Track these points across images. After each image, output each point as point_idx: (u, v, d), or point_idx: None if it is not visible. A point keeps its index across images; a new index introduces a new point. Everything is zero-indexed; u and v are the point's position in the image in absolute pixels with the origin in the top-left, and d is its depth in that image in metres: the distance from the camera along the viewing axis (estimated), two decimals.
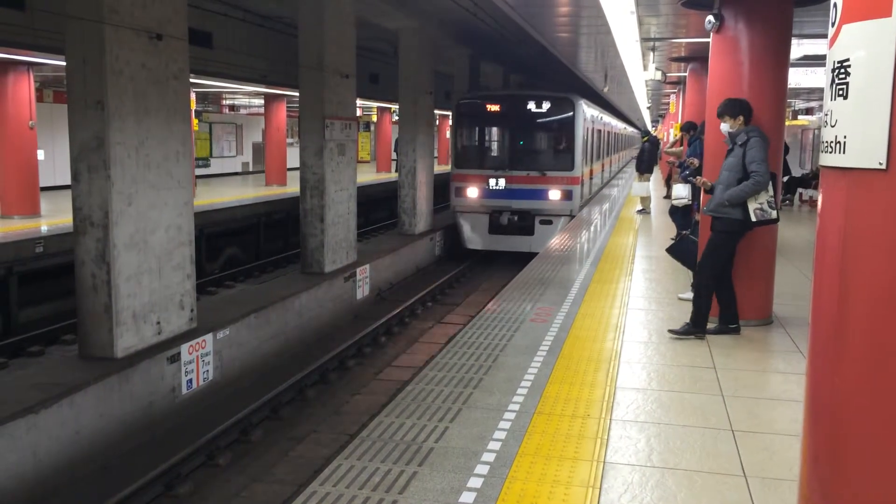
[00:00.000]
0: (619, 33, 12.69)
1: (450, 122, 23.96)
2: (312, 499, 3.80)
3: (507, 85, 25.98)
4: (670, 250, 8.62)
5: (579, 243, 13.06)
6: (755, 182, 6.47)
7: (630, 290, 8.95)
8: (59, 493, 6.76)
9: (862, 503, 2.53)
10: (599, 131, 23.61)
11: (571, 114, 17.65)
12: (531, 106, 17.76)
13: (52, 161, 20.80)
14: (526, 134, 18.42)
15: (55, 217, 15.30)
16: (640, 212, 17.87)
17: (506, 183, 17.57)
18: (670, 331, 6.77)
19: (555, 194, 17.42)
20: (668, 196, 19.28)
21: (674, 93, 26.95)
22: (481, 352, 6.31)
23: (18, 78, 15.60)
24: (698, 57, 16.11)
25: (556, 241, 13.18)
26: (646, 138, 19.99)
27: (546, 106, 17.78)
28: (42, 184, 16.61)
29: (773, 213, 6.59)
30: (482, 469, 4.14)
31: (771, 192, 6.58)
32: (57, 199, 17.79)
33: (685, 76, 19.09)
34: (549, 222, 17.47)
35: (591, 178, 21.06)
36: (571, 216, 17.35)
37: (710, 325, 6.97)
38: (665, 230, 13.51)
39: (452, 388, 5.41)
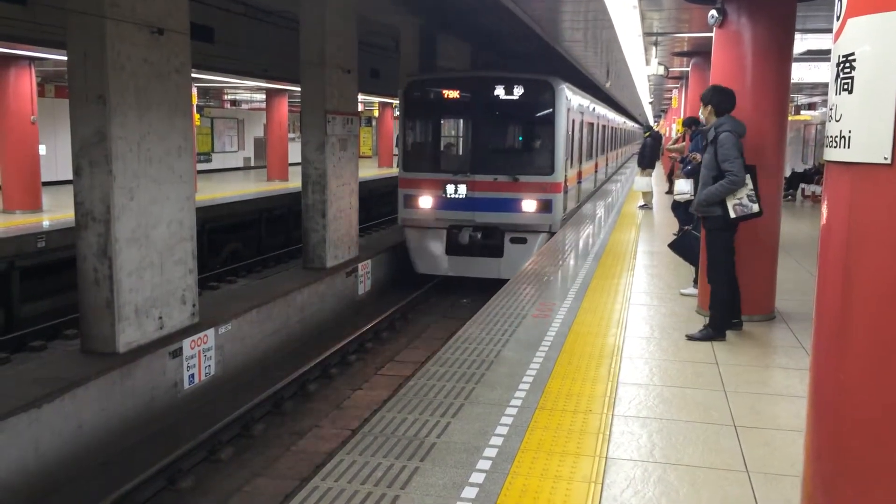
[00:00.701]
0: (621, 27, 12.66)
1: (395, 113, 19.63)
2: (314, 494, 3.79)
3: (472, 65, 21.17)
4: (672, 246, 8.61)
5: (581, 239, 13.03)
6: (729, 181, 6.33)
7: (632, 286, 8.94)
8: (62, 488, 6.77)
9: (866, 500, 2.53)
10: (592, 125, 20.26)
11: (551, 101, 13.82)
12: (499, 91, 13.82)
13: (54, 156, 20.80)
14: (492, 127, 14.53)
15: (57, 212, 15.31)
16: (642, 207, 17.84)
17: (467, 190, 13.79)
18: (688, 336, 6.70)
19: (529, 205, 13.68)
20: (670, 191, 19.24)
21: (676, 88, 26.91)
22: (483, 347, 6.30)
23: (20, 73, 15.59)
24: (701, 52, 16.08)
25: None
26: (647, 133, 19.95)
27: (518, 91, 13.75)
28: (44, 179, 16.62)
29: (755, 207, 6.43)
30: (484, 464, 4.13)
31: (751, 186, 6.41)
32: (59, 193, 17.80)
33: (688, 71, 19.06)
34: (523, 241, 13.81)
35: (578, 183, 17.59)
36: (551, 233, 13.72)
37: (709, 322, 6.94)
38: (667, 226, 13.49)
39: (454, 383, 5.40)
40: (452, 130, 15.68)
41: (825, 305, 2.71)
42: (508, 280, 9.42)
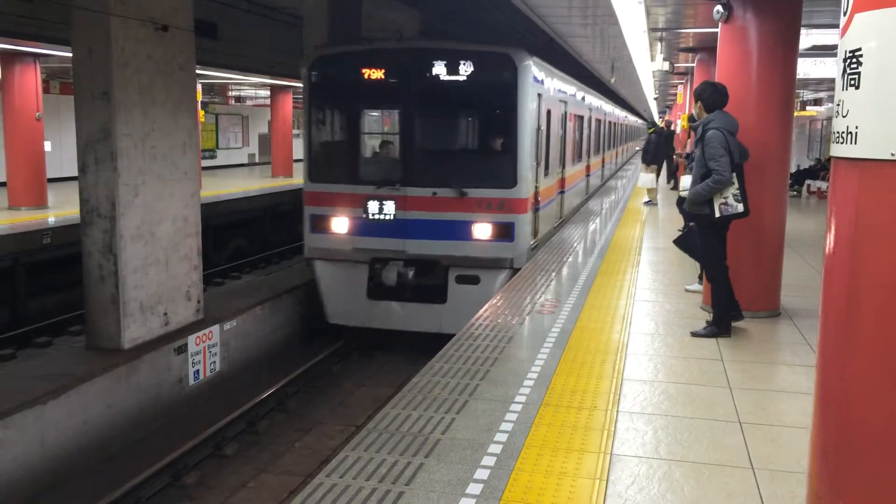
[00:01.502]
0: (625, 23, 12.62)
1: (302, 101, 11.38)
2: (319, 490, 3.80)
3: (404, 35, 13.73)
4: (677, 242, 8.57)
5: (585, 235, 13.00)
6: (715, 181, 6.26)
7: (637, 282, 8.93)
8: (67, 484, 6.79)
9: (871, 497, 2.52)
10: (581, 118, 16.56)
11: (512, 83, 9.90)
12: (439, 69, 9.87)
13: (59, 152, 20.86)
14: (431, 120, 10.69)
15: (62, 208, 15.35)
16: (646, 203, 17.80)
17: (396, 209, 9.97)
18: (693, 333, 6.68)
19: (483, 230, 9.88)
20: (674, 188, 19.21)
21: (681, 83, 26.83)
22: (487, 343, 6.30)
23: (25, 69, 15.64)
24: (706, 47, 16.02)
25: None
26: (652, 129, 19.90)
27: (466, 69, 9.82)
28: (49, 175, 16.68)
29: (740, 207, 6.35)
30: (489, 461, 4.13)
31: (737, 185, 6.34)
32: (64, 190, 17.84)
33: (693, 67, 18.99)
34: (474, 280, 10.01)
35: (560, 194, 13.69)
36: (514, 269, 9.85)
37: (709, 319, 6.92)
38: (672, 221, 13.46)
39: (459, 379, 5.40)
40: (376, 125, 11.63)
41: (831, 302, 2.70)
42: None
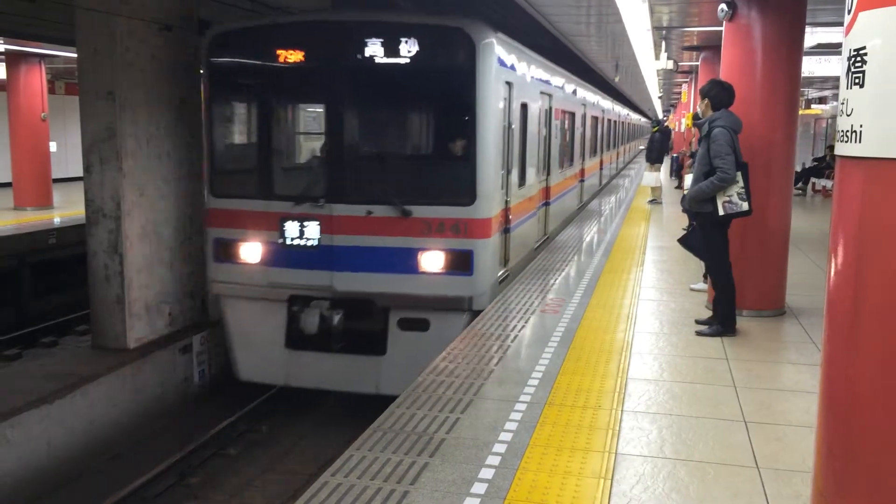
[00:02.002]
0: (630, 21, 12.61)
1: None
2: (324, 489, 3.80)
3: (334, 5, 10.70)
4: (682, 241, 8.57)
5: (590, 234, 12.98)
6: (719, 178, 6.25)
7: (641, 281, 8.92)
8: (73, 483, 6.81)
9: (877, 496, 2.51)
10: (571, 115, 14.42)
11: (468, 68, 7.59)
12: (373, 50, 7.60)
13: (65, 153, 20.92)
14: (364, 116, 8.37)
15: (68, 209, 15.40)
16: (651, 202, 17.78)
17: (321, 232, 7.75)
18: (698, 332, 6.68)
19: (433, 260, 7.69)
20: (679, 186, 19.20)
21: (685, 82, 26.80)
22: (492, 342, 6.30)
23: (30, 70, 15.67)
24: (711, 46, 16.00)
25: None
26: (656, 128, 19.88)
27: (409, 48, 7.56)
28: (54, 175, 16.72)
29: (745, 206, 6.34)
30: (493, 460, 4.13)
31: (741, 183, 6.33)
32: (70, 190, 17.89)
33: (697, 65, 18.98)
34: (422, 325, 7.80)
35: (541, 208, 11.18)
36: (473, 311, 7.69)
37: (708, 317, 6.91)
38: (677, 220, 13.44)
39: (463, 378, 5.40)
40: (294, 123, 8.92)
41: (836, 301, 2.69)
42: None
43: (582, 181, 16.59)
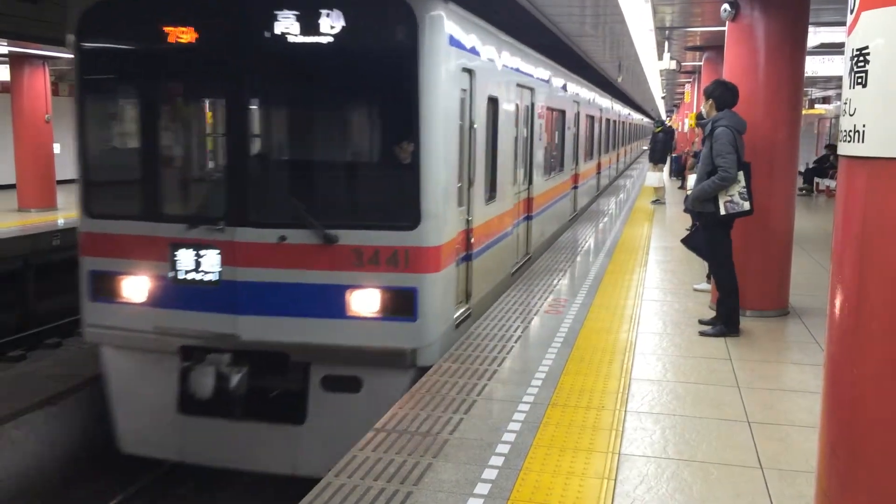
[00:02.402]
0: (633, 22, 12.61)
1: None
2: (328, 490, 3.81)
3: None
4: (685, 241, 8.57)
5: (591, 236, 12.97)
6: (721, 178, 6.27)
7: (645, 281, 8.92)
8: (78, 483, 6.82)
9: (880, 495, 2.51)
10: (562, 113, 12.90)
11: (409, 49, 5.86)
12: (286, 26, 5.90)
13: (69, 154, 20.94)
14: (275, 114, 6.84)
15: (72, 210, 15.41)
16: (654, 202, 17.77)
17: (223, 263, 6.08)
18: (701, 332, 6.69)
19: (365, 300, 5.99)
20: (682, 186, 19.19)
21: (688, 82, 26.78)
22: (496, 343, 6.30)
23: (34, 72, 15.71)
24: (714, 46, 15.99)
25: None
26: (659, 128, 19.88)
27: (331, 25, 5.82)
28: (59, 177, 16.75)
29: (746, 205, 6.35)
30: (497, 461, 4.13)
31: (743, 183, 6.33)
32: (74, 192, 17.90)
33: (700, 65, 18.97)
34: (352, 384, 6.06)
35: (520, 223, 9.68)
36: (418, 367, 5.98)
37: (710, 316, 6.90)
38: (680, 220, 13.43)
39: (467, 379, 5.41)
40: (187, 122, 6.99)
41: (839, 300, 2.69)
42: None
43: (576, 188, 15.18)
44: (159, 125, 6.70)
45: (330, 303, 5.93)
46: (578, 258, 10.49)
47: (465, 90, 6.73)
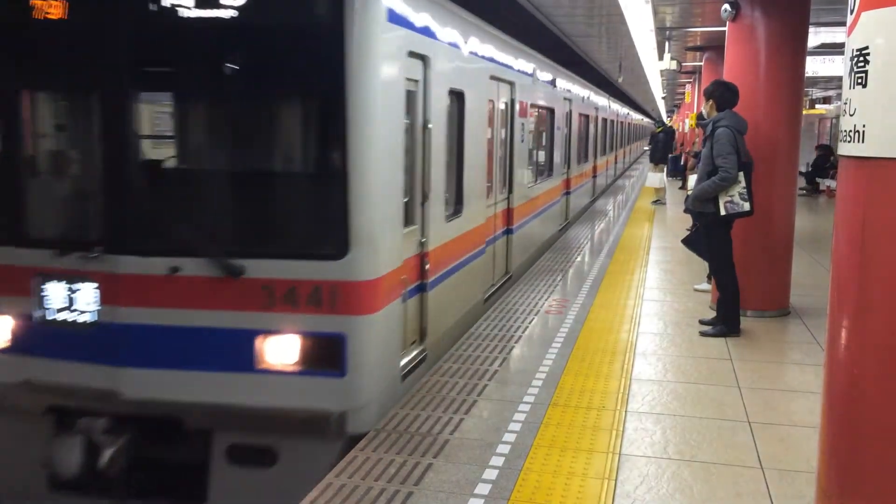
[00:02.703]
0: (633, 22, 12.62)
1: None
2: (328, 490, 3.81)
3: None
4: (686, 241, 8.58)
5: (593, 236, 12.98)
6: (721, 178, 6.27)
7: (645, 281, 8.92)
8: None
9: (881, 496, 2.51)
10: (550, 112, 11.73)
11: (333, 29, 4.45)
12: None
13: None
14: (163, 112, 5.43)
15: None
16: (654, 202, 17.78)
17: (102, 301, 4.67)
18: (702, 333, 6.69)
19: (280, 350, 4.61)
20: (683, 187, 19.19)
21: (689, 82, 26.79)
22: (496, 343, 6.30)
23: None
24: (714, 46, 16.01)
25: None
26: (660, 129, 19.88)
27: None
28: None
29: (746, 206, 6.34)
30: (497, 461, 4.13)
31: (743, 184, 6.33)
32: None
33: (701, 66, 18.98)
34: (266, 456, 4.60)
35: (498, 239, 8.46)
36: (350, 435, 4.57)
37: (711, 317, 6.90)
38: (681, 221, 13.43)
39: (467, 379, 5.41)
40: (53, 121, 5.45)
41: (839, 300, 2.69)
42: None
43: (567, 194, 13.88)
44: (22, 124, 5.12)
45: (236, 352, 4.61)
46: (579, 258, 10.49)
47: (414, 81, 5.43)
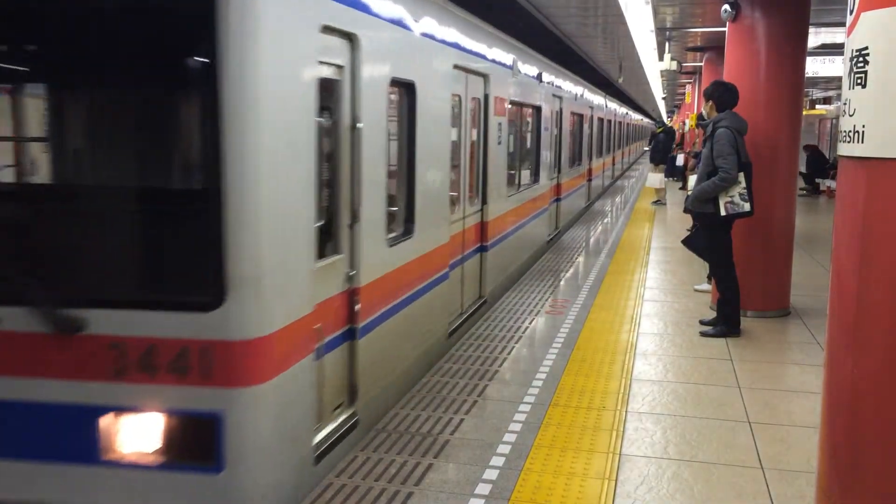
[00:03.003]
0: (633, 22, 12.62)
1: None
2: (329, 490, 3.81)
3: None
4: (686, 241, 8.58)
5: (593, 237, 12.97)
6: (721, 178, 6.27)
7: (645, 282, 8.92)
8: None
9: (881, 495, 2.52)
10: (535, 110, 10.40)
11: (204, 12, 3.12)
12: None
13: None
14: None
15: None
16: (655, 203, 17.78)
17: None
18: (702, 333, 6.69)
19: (134, 434, 3.38)
20: (683, 187, 19.20)
21: (689, 83, 26.79)
22: (496, 344, 6.30)
23: None
24: (714, 46, 16.01)
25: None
26: (661, 129, 19.89)
27: None
28: None
29: (746, 206, 6.34)
30: (498, 461, 4.14)
31: (743, 184, 6.33)
32: None
33: (701, 66, 18.98)
34: None
35: (471, 259, 7.39)
36: None
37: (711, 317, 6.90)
38: (681, 221, 13.44)
39: (468, 380, 5.41)
40: None
41: (839, 301, 2.70)
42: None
43: (558, 200, 12.59)
44: None
45: (72, 437, 3.42)
46: (579, 259, 10.49)
47: (336, 66, 4.17)
